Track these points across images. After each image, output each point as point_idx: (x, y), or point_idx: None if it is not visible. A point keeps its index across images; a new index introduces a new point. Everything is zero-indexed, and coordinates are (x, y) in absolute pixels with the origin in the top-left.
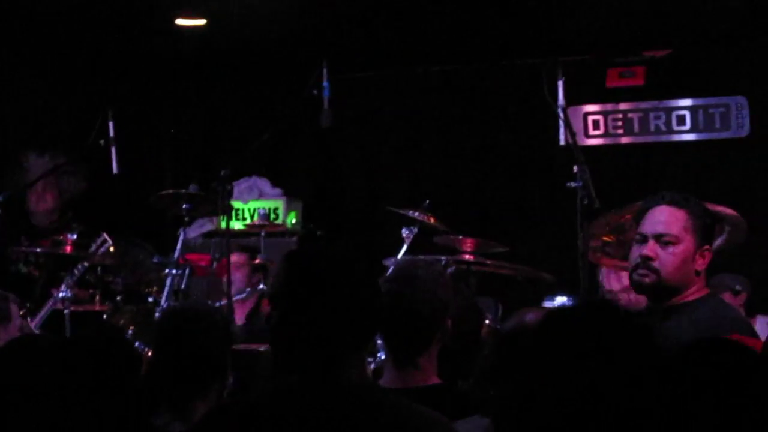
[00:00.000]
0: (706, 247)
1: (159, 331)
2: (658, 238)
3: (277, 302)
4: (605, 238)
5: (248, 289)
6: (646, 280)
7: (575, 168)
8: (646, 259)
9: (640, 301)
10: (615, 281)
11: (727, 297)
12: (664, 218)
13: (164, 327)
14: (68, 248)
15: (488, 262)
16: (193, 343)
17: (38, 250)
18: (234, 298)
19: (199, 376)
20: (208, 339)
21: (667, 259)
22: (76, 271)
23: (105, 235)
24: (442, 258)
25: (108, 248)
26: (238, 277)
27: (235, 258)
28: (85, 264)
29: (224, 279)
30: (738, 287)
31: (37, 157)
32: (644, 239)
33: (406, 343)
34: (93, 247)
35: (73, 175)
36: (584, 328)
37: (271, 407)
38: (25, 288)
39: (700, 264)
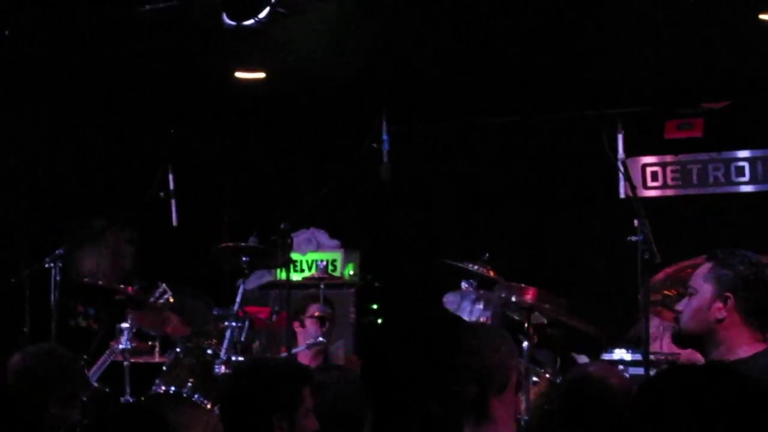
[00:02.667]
0: (727, 294)
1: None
2: (687, 291)
3: (365, 370)
4: (666, 292)
5: (308, 341)
6: (674, 331)
7: (636, 222)
8: (677, 313)
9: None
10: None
11: None
12: (694, 273)
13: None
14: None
15: (547, 313)
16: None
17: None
18: (294, 351)
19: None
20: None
21: (685, 309)
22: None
23: (164, 285)
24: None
25: (168, 299)
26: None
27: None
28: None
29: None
30: None
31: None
32: None
33: (483, 386)
34: (152, 298)
35: (113, 233)
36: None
37: None
38: (84, 341)
39: (719, 311)
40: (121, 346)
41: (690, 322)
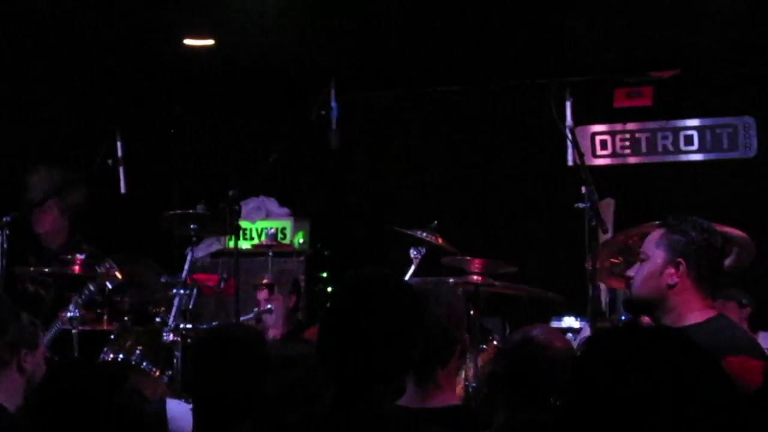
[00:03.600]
0: (679, 259)
1: (197, 353)
2: (639, 257)
3: (323, 326)
4: (613, 260)
5: (255, 309)
6: (625, 297)
7: (583, 189)
8: (628, 279)
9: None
10: None
11: (732, 309)
12: (646, 239)
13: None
14: (76, 268)
15: (496, 283)
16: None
17: (46, 270)
18: (242, 318)
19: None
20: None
21: (636, 275)
22: (86, 292)
23: (110, 262)
24: (450, 279)
25: (114, 274)
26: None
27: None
28: (92, 287)
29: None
30: (744, 300)
31: (40, 174)
32: None
33: (427, 359)
34: (100, 270)
35: (75, 192)
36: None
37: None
38: (32, 308)
39: (671, 277)
40: (69, 314)
41: (641, 288)
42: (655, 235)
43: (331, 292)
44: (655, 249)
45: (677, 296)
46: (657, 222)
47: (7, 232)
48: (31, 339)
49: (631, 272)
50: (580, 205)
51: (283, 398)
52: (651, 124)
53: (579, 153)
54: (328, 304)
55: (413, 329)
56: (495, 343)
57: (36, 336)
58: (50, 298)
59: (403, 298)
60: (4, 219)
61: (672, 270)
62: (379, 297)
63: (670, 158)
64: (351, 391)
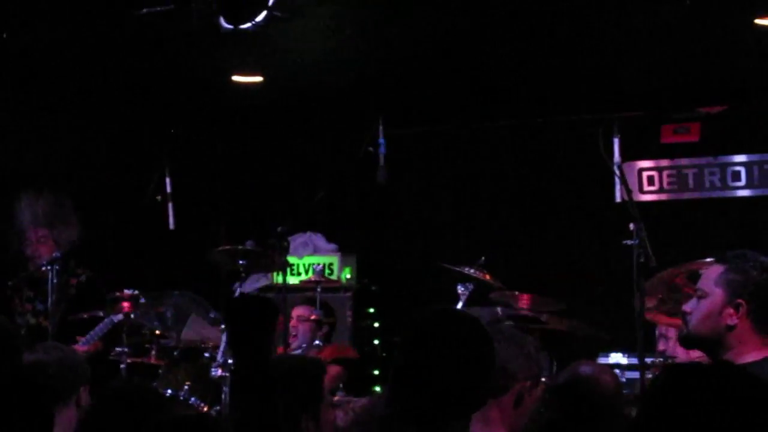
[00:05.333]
0: (739, 300)
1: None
2: (696, 292)
3: (396, 365)
4: (661, 297)
5: (304, 345)
6: (681, 332)
7: (631, 225)
8: (684, 314)
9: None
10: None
11: None
12: (704, 275)
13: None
14: (126, 306)
15: (544, 318)
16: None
17: (101, 313)
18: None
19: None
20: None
21: (694, 311)
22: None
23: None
24: (498, 308)
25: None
26: (301, 330)
27: (300, 311)
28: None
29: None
30: None
31: (29, 200)
32: None
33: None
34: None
35: (67, 224)
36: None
37: None
38: (35, 340)
39: (731, 318)
40: (117, 349)
41: (699, 325)
42: (714, 271)
43: (403, 331)
44: (714, 287)
45: (736, 337)
46: (708, 259)
47: (57, 267)
48: (88, 374)
49: (687, 307)
50: (629, 242)
51: None
52: (698, 160)
53: (627, 189)
54: (399, 342)
55: (486, 364)
56: (543, 379)
57: (89, 371)
58: (54, 330)
59: (476, 335)
60: (54, 255)
61: (731, 311)
62: (454, 334)
63: (718, 194)
64: (429, 428)
